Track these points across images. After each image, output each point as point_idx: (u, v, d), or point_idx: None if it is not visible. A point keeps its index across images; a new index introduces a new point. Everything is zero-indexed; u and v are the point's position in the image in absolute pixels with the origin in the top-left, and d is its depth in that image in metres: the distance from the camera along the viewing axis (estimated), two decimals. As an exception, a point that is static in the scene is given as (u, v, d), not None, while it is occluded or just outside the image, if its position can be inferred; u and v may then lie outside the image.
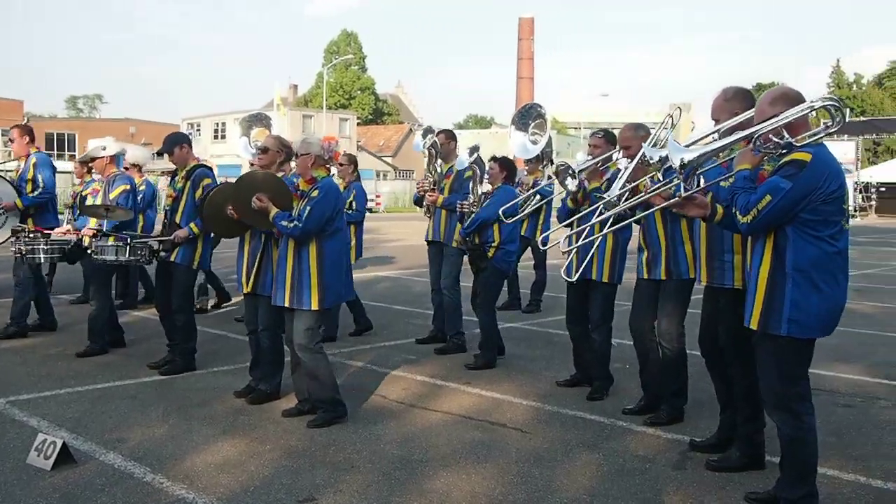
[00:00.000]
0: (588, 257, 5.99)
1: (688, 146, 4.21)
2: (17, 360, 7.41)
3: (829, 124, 3.96)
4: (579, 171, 6.05)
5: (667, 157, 4.65)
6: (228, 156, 52.45)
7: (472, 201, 7.65)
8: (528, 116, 8.98)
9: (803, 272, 3.88)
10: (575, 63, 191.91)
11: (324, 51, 77.66)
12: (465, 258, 7.80)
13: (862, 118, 55.58)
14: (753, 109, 4.29)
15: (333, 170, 6.30)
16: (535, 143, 8.95)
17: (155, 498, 4.32)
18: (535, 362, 7.58)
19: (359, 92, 77.07)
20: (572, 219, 6.09)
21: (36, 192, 8.36)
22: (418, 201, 8.42)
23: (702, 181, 4.33)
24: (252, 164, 6.87)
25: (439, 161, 8.21)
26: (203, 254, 7.10)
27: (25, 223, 8.26)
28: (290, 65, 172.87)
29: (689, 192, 4.20)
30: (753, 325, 4.02)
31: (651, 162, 4.79)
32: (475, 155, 7.97)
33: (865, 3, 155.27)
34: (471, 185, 7.86)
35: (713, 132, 4.58)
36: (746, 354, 4.64)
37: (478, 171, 7.98)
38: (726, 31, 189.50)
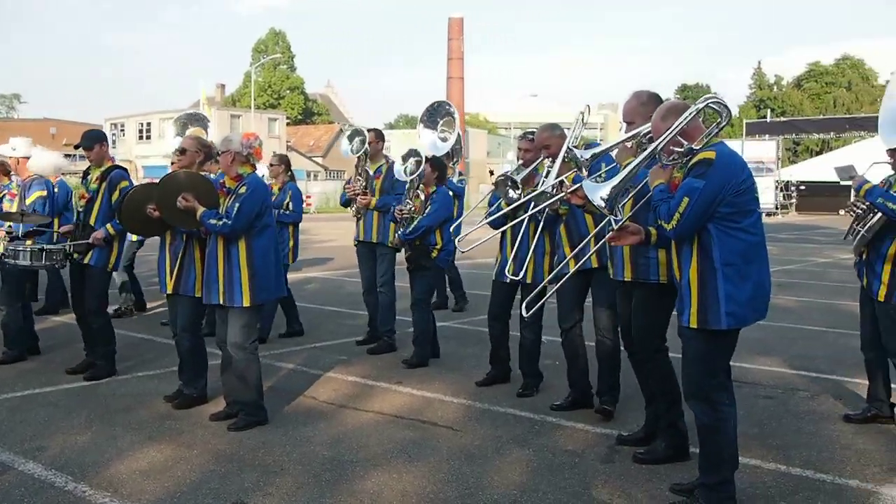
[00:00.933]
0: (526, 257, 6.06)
1: (600, 153, 4.33)
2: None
3: (719, 121, 4.11)
4: (521, 181, 6.10)
5: (591, 156, 4.78)
6: (154, 156, 51.41)
7: (409, 207, 7.60)
8: (436, 114, 8.97)
9: (732, 265, 4.01)
10: (505, 64, 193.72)
11: (252, 50, 76.57)
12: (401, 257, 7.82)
13: (782, 119, 57.26)
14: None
15: (261, 168, 6.23)
16: (444, 140, 8.94)
17: (77, 506, 4.22)
18: (466, 360, 7.61)
19: (288, 91, 76.25)
20: (506, 226, 6.11)
21: None
22: (346, 203, 8.39)
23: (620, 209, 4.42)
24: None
25: (368, 162, 8.20)
26: (119, 256, 6.97)
27: None
28: (218, 64, 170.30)
29: (621, 223, 4.34)
30: (693, 324, 4.11)
31: (580, 160, 4.90)
32: (410, 160, 7.89)
33: (785, 6, 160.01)
34: (408, 188, 7.81)
35: (629, 136, 4.72)
36: (657, 348, 4.78)
37: (416, 177, 7.93)
38: (652, 32, 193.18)
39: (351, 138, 8.33)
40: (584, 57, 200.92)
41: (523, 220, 5.84)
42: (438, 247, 7.44)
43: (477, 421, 5.75)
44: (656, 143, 4.13)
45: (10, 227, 7.26)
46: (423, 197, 7.56)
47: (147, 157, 52.63)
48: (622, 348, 5.49)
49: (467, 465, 4.85)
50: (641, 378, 5.21)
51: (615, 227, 4.37)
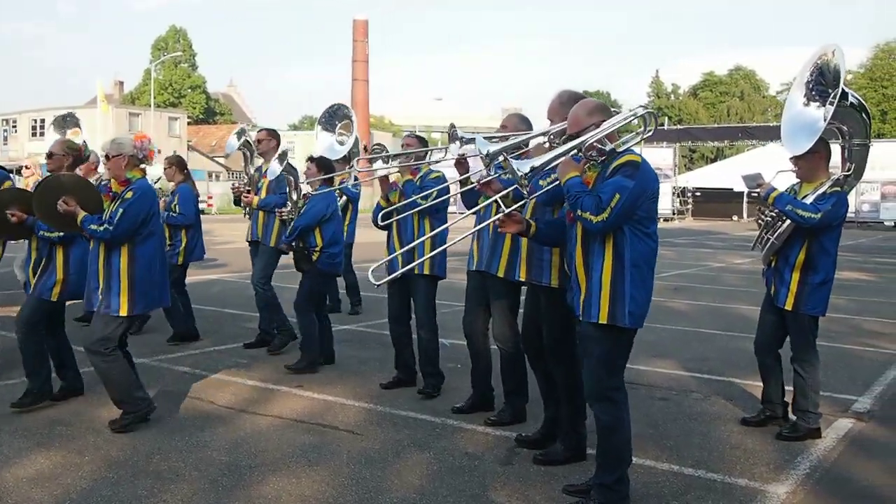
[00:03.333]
0: (410, 252, 6.07)
1: (512, 152, 4.35)
2: None
3: (641, 131, 4.28)
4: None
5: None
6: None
7: (290, 208, 7.57)
8: (335, 117, 8.94)
9: (638, 267, 4.17)
10: (410, 67, 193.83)
11: (151, 47, 74.57)
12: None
13: (679, 126, 59.03)
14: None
15: (153, 170, 6.11)
16: (341, 143, 8.92)
17: (-44, 518, 4.03)
18: (367, 364, 7.58)
19: (189, 90, 74.58)
20: (391, 220, 6.13)
21: None
22: (237, 202, 8.35)
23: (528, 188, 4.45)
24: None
25: (260, 161, 8.17)
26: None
27: None
28: (116, 60, 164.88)
29: (509, 210, 4.38)
30: (602, 320, 4.20)
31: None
32: (285, 162, 7.85)
33: (681, 16, 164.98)
34: (288, 189, 7.76)
35: (540, 134, 4.76)
36: (569, 353, 4.84)
37: (292, 178, 7.85)
38: (553, 37, 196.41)
39: (240, 135, 8.31)
40: (487, 60, 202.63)
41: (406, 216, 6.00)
42: (318, 248, 7.32)
43: (378, 424, 5.73)
44: (590, 135, 4.17)
45: None
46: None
47: (40, 154, 50.80)
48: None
49: (367, 469, 4.83)
50: (540, 380, 5.28)
51: (505, 210, 4.37)
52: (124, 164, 5.49)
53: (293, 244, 7.35)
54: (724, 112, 75.12)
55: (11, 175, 6.92)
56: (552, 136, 4.72)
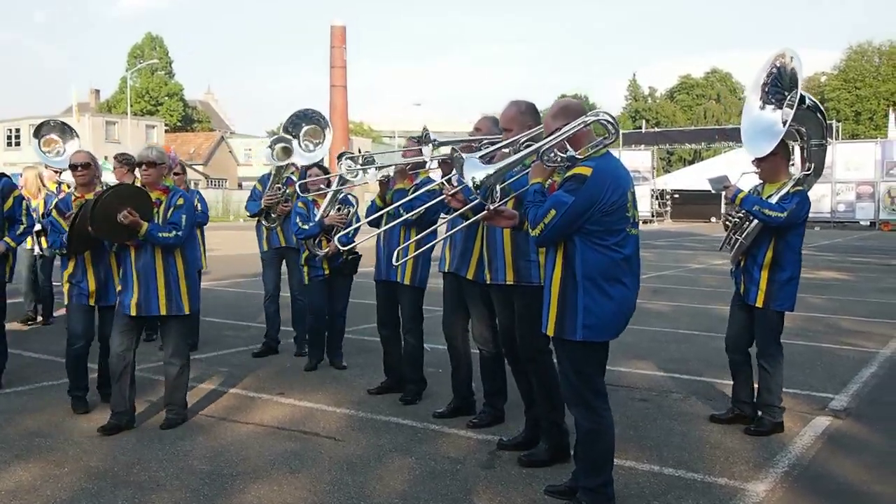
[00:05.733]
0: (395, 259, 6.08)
1: (483, 156, 4.33)
2: None
3: (605, 136, 4.18)
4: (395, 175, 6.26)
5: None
6: (23, 164, 49.18)
7: (349, 212, 7.58)
8: (301, 121, 8.76)
9: (592, 279, 4.06)
10: (388, 72, 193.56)
11: (127, 55, 74.25)
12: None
13: (657, 129, 59.40)
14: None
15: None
16: (307, 149, 8.83)
17: (-65, 532, 4.00)
18: (349, 370, 7.57)
19: (166, 98, 74.27)
20: (385, 226, 6.15)
21: None
22: (258, 213, 8.23)
23: (498, 192, 4.42)
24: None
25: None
26: (13, 267, 6.86)
27: None
28: (91, 68, 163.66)
29: (498, 205, 4.29)
30: (550, 332, 4.19)
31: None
32: (278, 145, 7.94)
33: (656, 19, 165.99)
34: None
35: (509, 142, 4.72)
36: (543, 352, 4.86)
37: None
38: (532, 41, 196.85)
39: (273, 145, 8.20)
40: (465, 65, 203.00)
41: (396, 223, 5.95)
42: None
43: (359, 430, 5.73)
44: (544, 141, 4.14)
45: None
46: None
47: (15, 164, 50.28)
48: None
49: (349, 475, 4.83)
50: (521, 383, 5.31)
51: (492, 207, 4.26)
52: (164, 173, 5.77)
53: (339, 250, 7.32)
54: (701, 114, 75.74)
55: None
56: (520, 144, 4.71)
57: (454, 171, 5.32)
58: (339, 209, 7.35)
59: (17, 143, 56.03)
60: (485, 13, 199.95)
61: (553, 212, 3.99)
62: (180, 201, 5.67)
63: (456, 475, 4.84)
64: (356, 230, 7.24)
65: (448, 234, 5.54)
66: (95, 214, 5.52)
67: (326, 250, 7.32)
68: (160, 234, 5.53)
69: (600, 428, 4.20)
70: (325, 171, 7.78)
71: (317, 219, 7.28)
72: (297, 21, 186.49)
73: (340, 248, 6.93)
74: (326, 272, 7.42)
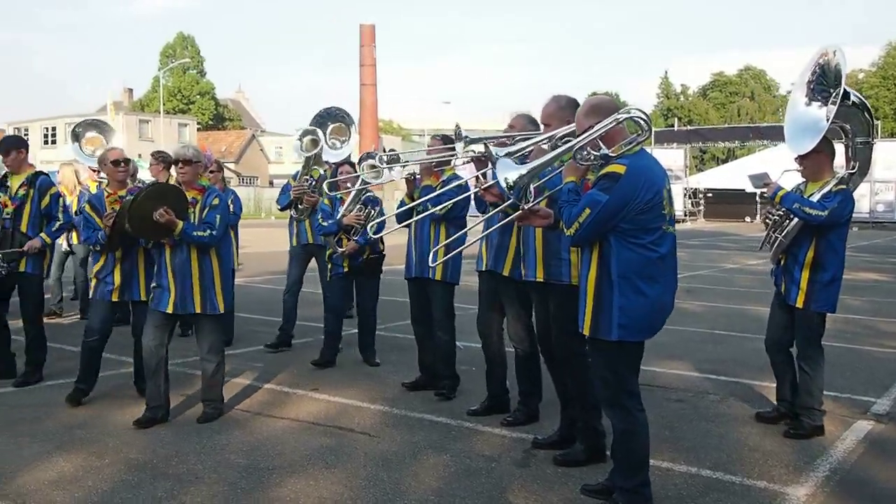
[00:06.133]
0: (426, 254, 6.15)
1: (517, 153, 4.30)
2: None
3: (639, 134, 4.13)
4: (421, 173, 6.32)
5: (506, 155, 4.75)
6: (59, 162, 49.84)
7: (370, 212, 7.59)
8: (327, 119, 8.82)
9: (627, 279, 4.02)
10: (418, 70, 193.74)
11: (159, 54, 74.94)
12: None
13: (689, 127, 58.85)
14: None
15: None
16: (333, 147, 8.87)
17: (-21, 520, 4.07)
18: (382, 367, 7.58)
19: (198, 97, 74.87)
20: (409, 221, 6.15)
21: None
22: (287, 206, 8.29)
23: (532, 191, 4.39)
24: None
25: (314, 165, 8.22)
26: (50, 263, 7.09)
27: None
28: (124, 68, 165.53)
29: (532, 204, 4.26)
30: (585, 331, 4.17)
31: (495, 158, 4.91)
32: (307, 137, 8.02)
33: (688, 15, 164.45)
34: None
35: (546, 136, 4.70)
36: (577, 353, 4.82)
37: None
38: (561, 39, 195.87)
39: (301, 137, 8.25)
40: (494, 63, 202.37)
41: (424, 216, 6.05)
42: (383, 251, 7.58)
43: (394, 427, 5.74)
44: (578, 139, 4.11)
45: None
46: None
47: (52, 162, 51.06)
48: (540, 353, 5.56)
49: (384, 471, 4.83)
50: (557, 381, 5.29)
51: (526, 206, 4.22)
52: (201, 171, 5.80)
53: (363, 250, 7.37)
54: (735, 112, 74.94)
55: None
56: (556, 139, 4.69)
57: (488, 166, 5.34)
58: (360, 209, 7.36)
59: (53, 142, 56.78)
60: (514, 11, 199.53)
61: (587, 211, 3.96)
62: (215, 201, 5.71)
63: (491, 473, 4.83)
64: (380, 228, 7.23)
65: (484, 233, 5.52)
66: (133, 212, 5.57)
67: (344, 249, 7.35)
68: (195, 233, 5.56)
69: (634, 428, 4.17)
70: (356, 169, 7.79)
71: (337, 217, 7.33)
72: (327, 20, 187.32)
73: (358, 247, 7.17)
74: (346, 270, 7.44)
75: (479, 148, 5.48)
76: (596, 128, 4.07)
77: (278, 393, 6.63)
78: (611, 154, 4.05)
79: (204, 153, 5.81)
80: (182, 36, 75.74)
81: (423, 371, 6.79)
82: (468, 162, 6.04)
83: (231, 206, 8.20)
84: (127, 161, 6.27)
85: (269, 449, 5.21)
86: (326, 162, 8.38)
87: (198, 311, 5.69)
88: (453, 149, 6.24)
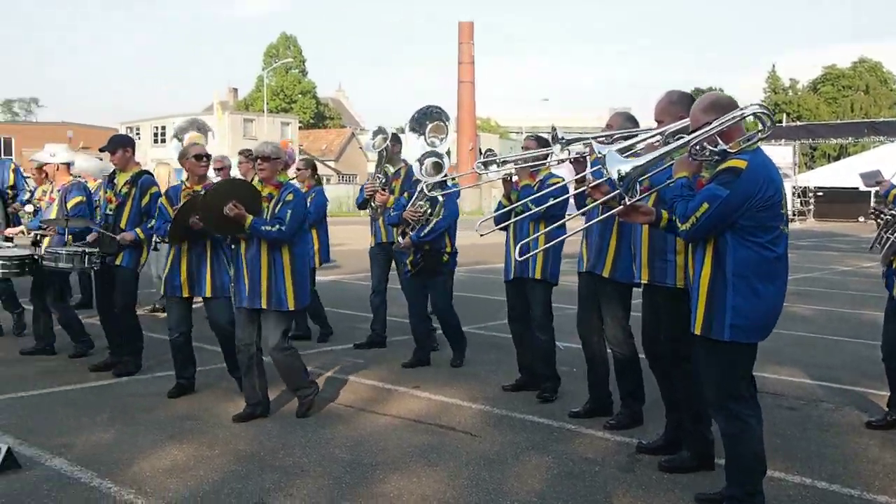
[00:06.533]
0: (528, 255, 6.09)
1: (625, 150, 4.23)
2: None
3: (760, 130, 4.01)
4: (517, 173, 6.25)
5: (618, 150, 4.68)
6: (169, 160, 51.70)
7: (426, 210, 7.58)
8: (425, 119, 8.85)
9: (743, 277, 3.92)
10: (515, 67, 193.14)
11: (263, 54, 76.84)
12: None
13: (798, 123, 56.81)
14: None
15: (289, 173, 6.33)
16: (433, 146, 8.87)
17: (102, 503, 4.24)
18: (482, 366, 7.58)
19: (300, 95, 76.43)
20: (508, 222, 6.13)
21: None
22: (364, 203, 8.38)
23: (638, 187, 4.31)
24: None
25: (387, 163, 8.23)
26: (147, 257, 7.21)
27: None
28: (229, 68, 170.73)
29: (634, 200, 4.18)
30: (697, 331, 4.07)
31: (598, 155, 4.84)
32: (379, 137, 8.11)
33: (800, 8, 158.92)
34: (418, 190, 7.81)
35: (657, 132, 4.60)
36: (686, 356, 4.69)
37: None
38: (661, 34, 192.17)
39: (375, 135, 8.33)
40: (594, 59, 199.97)
41: (524, 217, 6.01)
42: (449, 250, 7.42)
43: (495, 427, 5.72)
44: (695, 134, 4.02)
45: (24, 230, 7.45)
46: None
47: (161, 160, 53.15)
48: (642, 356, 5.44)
49: (486, 471, 4.82)
50: (662, 385, 5.16)
51: (627, 202, 4.15)
52: (280, 168, 5.80)
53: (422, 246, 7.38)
54: (848, 107, 72.00)
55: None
56: (667, 136, 4.58)
57: (587, 166, 5.28)
58: (420, 206, 7.34)
59: (163, 140, 58.86)
60: (614, 6, 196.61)
61: (706, 205, 3.87)
62: (289, 197, 5.67)
63: (595, 477, 4.76)
64: (429, 230, 7.25)
65: (582, 227, 5.47)
66: (204, 206, 5.74)
67: (402, 243, 7.41)
68: (263, 228, 5.56)
69: (742, 434, 4.06)
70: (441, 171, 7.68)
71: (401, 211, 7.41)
72: (426, 17, 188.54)
73: (411, 243, 7.23)
74: (409, 269, 7.45)
75: (578, 148, 5.43)
76: (714, 123, 3.97)
77: (380, 389, 6.69)
78: (729, 150, 3.95)
79: (285, 150, 5.86)
80: (285, 36, 77.50)
81: (522, 372, 6.75)
82: (563, 161, 6.02)
83: (310, 204, 8.34)
84: (208, 156, 6.42)
85: (372, 445, 5.27)
86: (404, 160, 8.38)
87: (263, 306, 5.68)
88: (549, 149, 6.24)
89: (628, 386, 5.73)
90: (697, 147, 4.00)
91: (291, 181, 6.11)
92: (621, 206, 4.20)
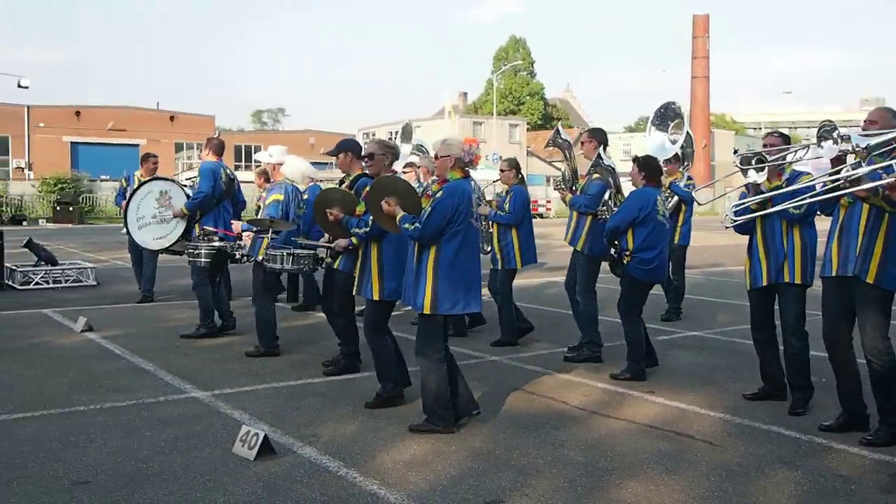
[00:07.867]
0: (780, 257, 5.93)
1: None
2: (215, 357, 7.87)
3: None
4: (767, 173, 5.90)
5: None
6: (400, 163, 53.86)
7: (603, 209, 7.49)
8: (667, 116, 8.70)
9: None
10: (752, 61, 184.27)
11: (493, 58, 78.28)
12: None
13: None
14: None
15: (475, 174, 6.23)
16: (673, 142, 8.64)
17: (350, 492, 4.47)
18: (718, 372, 7.30)
19: (528, 97, 77.15)
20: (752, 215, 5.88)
21: (190, 199, 8.91)
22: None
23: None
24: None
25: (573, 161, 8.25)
26: None
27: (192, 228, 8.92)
28: (458, 73, 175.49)
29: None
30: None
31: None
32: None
33: None
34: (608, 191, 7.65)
35: None
36: None
37: (610, 180, 7.69)
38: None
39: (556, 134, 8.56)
40: (838, 48, 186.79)
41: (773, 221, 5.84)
42: (629, 251, 7.08)
43: (736, 437, 5.48)
44: None
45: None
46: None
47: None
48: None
49: (728, 483, 4.63)
50: None
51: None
52: (450, 165, 5.63)
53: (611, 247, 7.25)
54: None
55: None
56: None
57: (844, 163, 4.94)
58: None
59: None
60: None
61: None
62: (438, 194, 5.52)
63: (850, 496, 4.44)
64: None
65: (834, 228, 5.15)
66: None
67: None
68: (404, 225, 5.52)
69: None
70: (649, 168, 7.41)
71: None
72: (655, 14, 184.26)
73: None
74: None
75: (828, 144, 5.08)
76: None
77: (613, 393, 6.61)
78: None
79: (464, 147, 5.72)
80: (514, 39, 78.58)
81: (765, 381, 6.42)
82: (798, 161, 5.73)
83: (506, 205, 8.43)
84: (370, 156, 6.44)
85: (606, 449, 5.21)
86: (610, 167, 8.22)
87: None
88: (789, 142, 5.98)
89: (888, 401, 5.29)
90: None
91: (456, 181, 5.65)
92: (888, 181, 3.93)
